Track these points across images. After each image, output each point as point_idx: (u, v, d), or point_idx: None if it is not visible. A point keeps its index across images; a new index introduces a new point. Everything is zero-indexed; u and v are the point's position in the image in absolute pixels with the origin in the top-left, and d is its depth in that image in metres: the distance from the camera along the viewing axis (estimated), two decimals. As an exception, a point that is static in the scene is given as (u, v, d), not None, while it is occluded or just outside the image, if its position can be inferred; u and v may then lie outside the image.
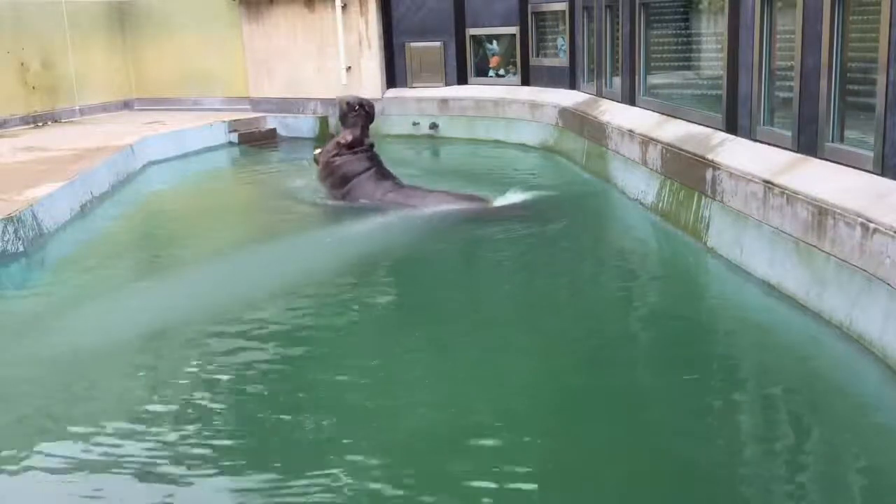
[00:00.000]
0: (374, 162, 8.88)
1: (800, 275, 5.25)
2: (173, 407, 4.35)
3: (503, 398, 4.37)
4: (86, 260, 7.41)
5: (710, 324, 5.52)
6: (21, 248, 7.08)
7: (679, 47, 8.70)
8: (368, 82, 13.98)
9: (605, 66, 10.51)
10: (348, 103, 9.20)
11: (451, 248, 7.47)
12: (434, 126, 13.61)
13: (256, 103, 14.89)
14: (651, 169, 8.06)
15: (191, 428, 4.11)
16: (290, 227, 8.39)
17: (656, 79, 9.25)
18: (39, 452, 3.92)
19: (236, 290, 6.26)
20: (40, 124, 13.95)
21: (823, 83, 5.52)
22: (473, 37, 13.62)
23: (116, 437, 4.03)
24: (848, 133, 5.47)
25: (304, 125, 14.20)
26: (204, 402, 4.41)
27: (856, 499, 3.46)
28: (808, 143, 5.76)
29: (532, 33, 12.95)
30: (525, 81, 13.14)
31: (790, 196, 5.39)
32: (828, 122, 5.53)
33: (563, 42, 12.33)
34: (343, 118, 9.21)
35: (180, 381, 4.68)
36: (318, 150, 9.48)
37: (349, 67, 13.98)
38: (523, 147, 12.36)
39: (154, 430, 4.11)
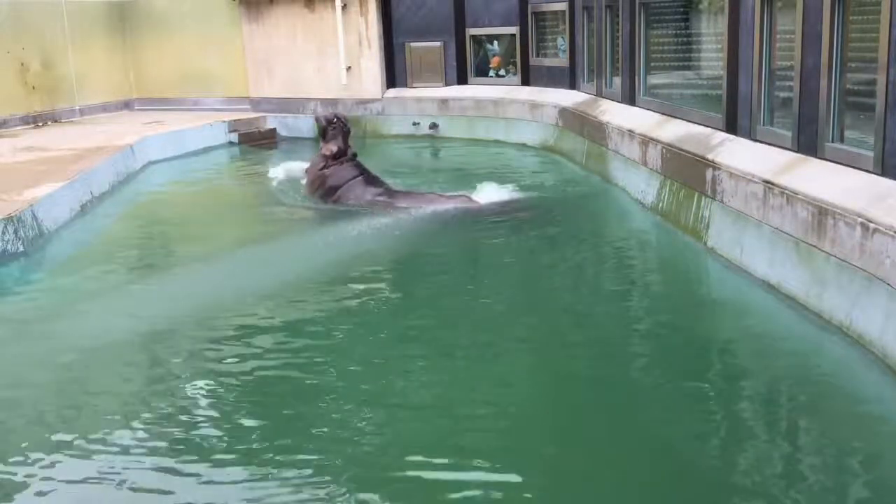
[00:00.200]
0: (361, 169, 9.15)
1: (800, 275, 5.25)
2: (173, 407, 4.36)
3: (503, 398, 4.37)
4: (86, 260, 7.43)
5: (709, 324, 5.51)
6: (21, 248, 7.08)
7: (679, 47, 8.70)
8: (368, 82, 13.99)
9: (605, 66, 10.51)
10: (326, 118, 9.64)
11: (450, 249, 7.47)
12: (434, 126, 13.61)
13: (256, 103, 14.90)
14: (651, 169, 8.06)
15: (190, 428, 4.12)
16: (290, 227, 8.44)
17: (656, 79, 9.25)
18: (39, 452, 3.92)
19: (236, 290, 6.28)
20: (40, 124, 13.96)
21: (823, 83, 5.52)
22: (473, 37, 13.63)
23: (116, 436, 4.04)
24: (848, 133, 5.47)
25: (304, 125, 14.19)
26: (204, 402, 4.41)
27: (856, 498, 3.46)
28: (808, 143, 5.76)
29: (532, 33, 12.96)
30: (525, 81, 13.15)
31: (790, 196, 5.39)
32: (828, 122, 5.53)
33: (563, 42, 12.33)
34: (323, 133, 9.58)
35: (180, 381, 4.68)
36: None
37: (349, 67, 13.99)
38: (523, 147, 12.36)
39: (154, 429, 4.12)
